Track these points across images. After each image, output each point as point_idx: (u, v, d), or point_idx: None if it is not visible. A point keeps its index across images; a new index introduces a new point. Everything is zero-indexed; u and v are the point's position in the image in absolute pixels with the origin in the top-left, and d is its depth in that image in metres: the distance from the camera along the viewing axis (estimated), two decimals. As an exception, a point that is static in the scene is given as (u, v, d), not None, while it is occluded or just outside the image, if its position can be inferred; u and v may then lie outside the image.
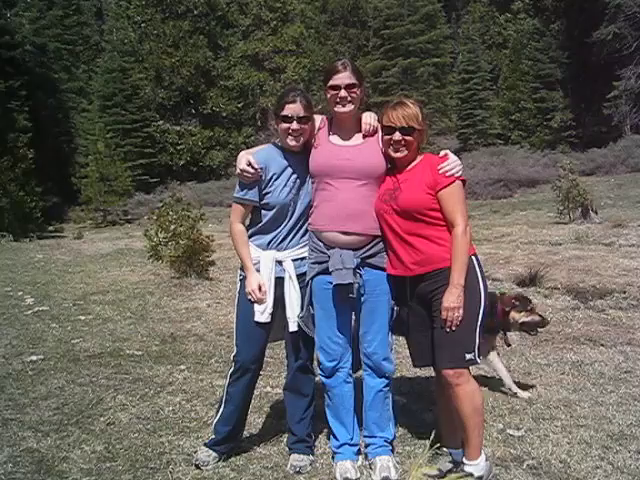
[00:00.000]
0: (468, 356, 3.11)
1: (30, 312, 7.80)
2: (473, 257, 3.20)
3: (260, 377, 4.88)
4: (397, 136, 3.23)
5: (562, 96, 36.08)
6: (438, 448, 3.26)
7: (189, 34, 42.48)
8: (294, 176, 3.45)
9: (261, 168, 3.38)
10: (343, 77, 3.29)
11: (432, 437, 2.33)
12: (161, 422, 4.17)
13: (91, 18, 49.97)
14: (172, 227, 9.70)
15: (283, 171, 3.45)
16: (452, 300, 3.06)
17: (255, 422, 4.11)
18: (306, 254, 3.49)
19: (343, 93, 3.28)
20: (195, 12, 42.73)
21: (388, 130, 3.27)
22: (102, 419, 4.22)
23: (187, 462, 3.54)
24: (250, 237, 3.53)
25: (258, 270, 3.46)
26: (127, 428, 4.06)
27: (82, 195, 28.60)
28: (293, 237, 3.50)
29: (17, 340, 6.42)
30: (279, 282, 3.47)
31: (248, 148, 3.75)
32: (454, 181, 3.17)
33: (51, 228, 24.84)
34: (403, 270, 3.26)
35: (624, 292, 7.25)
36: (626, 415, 3.96)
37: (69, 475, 3.42)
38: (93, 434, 3.97)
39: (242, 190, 3.46)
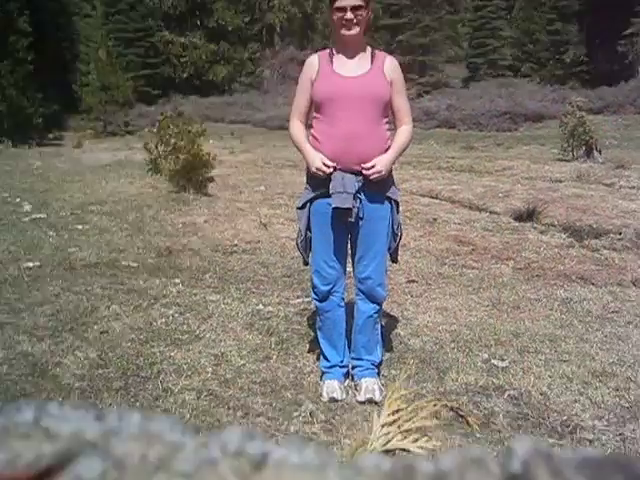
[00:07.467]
0: None
1: (27, 219, 7.81)
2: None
3: (254, 295, 4.96)
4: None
5: (577, 29, 35.14)
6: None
7: (198, -61, 40.96)
8: None
9: (334, 167, 3.29)
10: None
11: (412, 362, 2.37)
12: (153, 333, 4.23)
13: None
14: (172, 141, 9.63)
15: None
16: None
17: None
18: None
19: (349, 15, 3.16)
20: None
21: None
22: (96, 327, 4.28)
23: (177, 373, 3.62)
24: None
25: None
26: (120, 337, 4.13)
27: (83, 103, 28.22)
28: None
29: (14, 246, 6.45)
30: None
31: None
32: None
33: (51, 135, 24.61)
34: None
35: (620, 233, 7.27)
36: (609, 353, 4.03)
37: (62, 379, 3.50)
38: (87, 341, 4.04)
39: None
